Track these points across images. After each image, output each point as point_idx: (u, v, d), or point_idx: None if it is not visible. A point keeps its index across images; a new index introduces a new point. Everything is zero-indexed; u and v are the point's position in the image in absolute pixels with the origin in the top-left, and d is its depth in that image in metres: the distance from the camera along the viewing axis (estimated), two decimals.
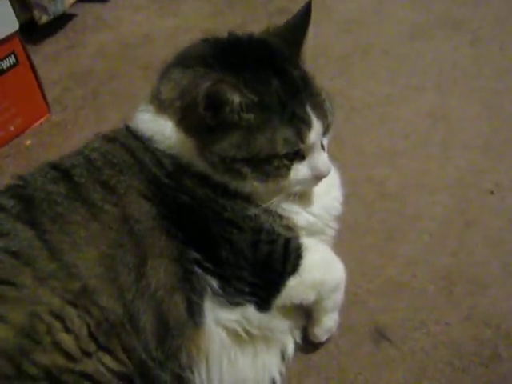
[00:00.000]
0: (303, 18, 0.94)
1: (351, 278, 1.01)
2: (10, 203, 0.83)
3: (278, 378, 0.97)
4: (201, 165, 0.86)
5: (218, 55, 0.89)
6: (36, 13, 1.93)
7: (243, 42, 0.93)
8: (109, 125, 1.60)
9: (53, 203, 0.83)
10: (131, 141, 0.91)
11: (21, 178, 0.90)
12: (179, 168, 0.87)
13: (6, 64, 1.52)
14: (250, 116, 0.82)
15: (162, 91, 0.92)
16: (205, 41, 0.96)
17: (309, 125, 0.85)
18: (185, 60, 0.93)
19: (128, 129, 0.95)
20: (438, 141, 1.43)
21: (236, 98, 0.80)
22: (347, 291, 1.01)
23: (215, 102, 0.80)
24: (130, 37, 2.00)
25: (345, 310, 1.04)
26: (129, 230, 0.81)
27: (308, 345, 1.04)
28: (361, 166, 1.37)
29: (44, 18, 1.96)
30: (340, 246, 1.03)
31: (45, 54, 1.92)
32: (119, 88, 1.76)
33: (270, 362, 0.95)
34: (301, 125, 0.84)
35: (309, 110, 0.85)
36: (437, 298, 1.11)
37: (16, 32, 1.51)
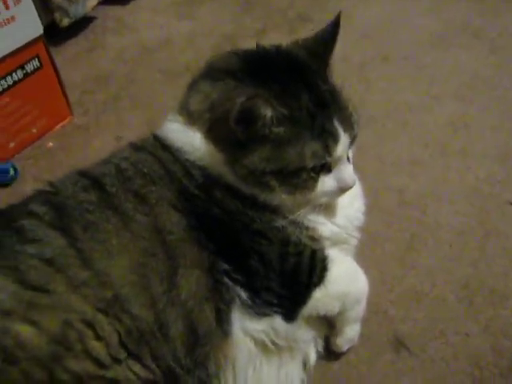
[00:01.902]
0: (332, 31, 0.94)
1: (372, 288, 1.02)
2: (42, 210, 0.85)
3: None
4: (230, 177, 0.87)
5: (247, 68, 0.90)
6: (57, 15, 1.95)
7: (271, 54, 0.94)
8: (129, 128, 1.63)
9: (84, 211, 0.84)
10: (160, 151, 0.92)
11: (51, 184, 0.91)
12: (209, 179, 0.88)
13: (30, 67, 1.54)
14: (280, 130, 0.83)
15: (191, 103, 0.93)
16: (233, 53, 0.97)
17: (336, 138, 0.86)
18: (214, 73, 0.94)
19: (156, 138, 0.96)
20: (457, 150, 1.44)
21: (268, 113, 0.81)
22: (368, 300, 1.02)
23: (248, 117, 0.81)
24: (149, 40, 2.02)
25: (365, 320, 1.05)
26: (160, 240, 0.83)
27: (329, 354, 1.05)
28: (380, 174, 1.38)
29: (65, 21, 1.97)
30: (360, 254, 1.05)
31: (66, 57, 1.94)
32: (139, 92, 1.77)
33: (293, 372, 0.97)
34: (329, 138, 0.85)
35: (336, 123, 0.87)
36: (456, 308, 1.12)
37: (40, 36, 1.53)
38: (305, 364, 1.00)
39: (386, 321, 1.11)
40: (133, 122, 1.65)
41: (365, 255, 1.08)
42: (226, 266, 0.84)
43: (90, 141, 1.61)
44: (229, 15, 2.10)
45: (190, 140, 0.90)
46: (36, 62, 1.55)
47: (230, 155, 0.87)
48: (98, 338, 0.77)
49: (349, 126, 0.89)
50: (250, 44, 1.84)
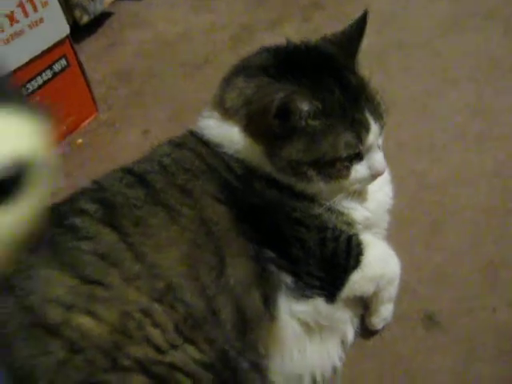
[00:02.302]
0: (359, 26, 0.99)
1: (401, 268, 1.07)
2: (92, 208, 0.90)
3: (338, 363, 1.04)
4: (268, 168, 0.93)
5: (279, 64, 0.95)
6: (77, 13, 2.00)
7: (302, 49, 0.99)
8: (154, 122, 1.68)
9: (133, 207, 0.89)
10: (199, 146, 0.97)
11: (96, 182, 0.96)
12: (248, 171, 0.93)
13: (57, 67, 1.59)
14: (316, 122, 0.88)
15: (227, 99, 0.98)
16: (265, 49, 1.01)
17: (367, 128, 0.91)
18: (248, 69, 0.99)
19: (194, 134, 1.01)
20: (475, 133, 1.47)
21: (305, 108, 0.86)
22: (398, 280, 1.07)
23: (286, 112, 0.86)
24: (167, 34, 2.06)
25: (397, 299, 1.10)
26: (207, 232, 0.88)
27: (364, 332, 1.10)
28: (403, 159, 1.42)
29: (85, 18, 2.02)
30: (389, 237, 1.10)
31: (87, 54, 1.98)
32: (161, 86, 1.82)
33: (333, 350, 1.02)
34: (360, 129, 0.90)
35: (367, 114, 0.92)
36: (482, 285, 1.16)
37: (67, 36, 1.58)
38: (342, 342, 1.05)
39: (415, 299, 1.16)
40: (157, 115, 1.70)
41: (393, 238, 1.12)
42: (270, 254, 0.90)
43: (116, 136, 1.66)
44: (243, 6, 2.13)
45: (227, 135, 0.96)
46: (63, 62, 1.61)
47: (267, 148, 0.92)
48: (155, 325, 0.82)
49: (378, 115, 0.94)
50: (266, 35, 1.91)
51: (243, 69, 1.00)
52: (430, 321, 1.12)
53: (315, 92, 0.88)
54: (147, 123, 1.68)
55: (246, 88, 0.95)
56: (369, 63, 1.66)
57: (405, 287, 1.15)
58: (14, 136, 0.30)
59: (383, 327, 1.10)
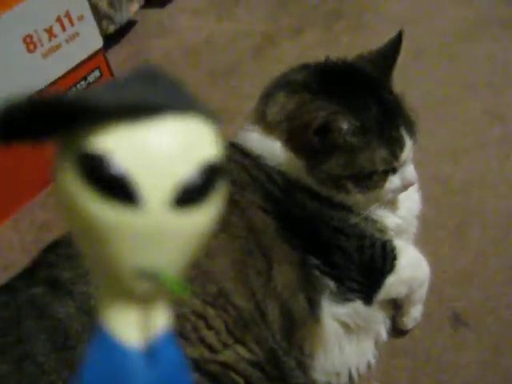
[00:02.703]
0: (394, 45, 1.04)
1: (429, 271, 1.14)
2: None
3: (372, 361, 1.11)
4: (309, 181, 0.98)
5: (319, 81, 1.00)
6: (104, 24, 2.05)
7: (339, 67, 1.05)
8: None
9: None
10: (243, 159, 1.03)
11: None
12: (289, 183, 0.99)
13: (91, 78, 1.65)
14: (354, 139, 0.94)
15: (268, 113, 1.03)
16: (305, 66, 1.06)
17: (402, 145, 0.97)
18: (288, 85, 1.03)
19: (235, 146, 1.07)
20: (495, 138, 1.53)
21: (345, 126, 0.92)
22: None
23: (327, 129, 0.92)
24: (191, 42, 2.11)
25: (425, 299, 1.16)
26: (255, 240, 0.94)
27: (396, 331, 1.17)
28: (426, 165, 1.47)
29: (111, 28, 2.08)
30: (416, 241, 1.16)
31: (114, 62, 2.03)
32: None
33: (368, 348, 1.09)
34: (396, 146, 0.96)
35: (403, 131, 0.98)
36: (506, 286, 1.23)
37: (100, 48, 1.65)
38: (376, 340, 1.11)
39: (443, 299, 1.22)
40: None
41: (420, 241, 1.18)
42: (314, 261, 0.96)
43: None
44: (265, 13, 2.18)
45: (269, 148, 1.01)
46: (97, 73, 1.67)
47: (308, 162, 0.98)
48: (209, 327, 0.88)
49: (412, 132, 1.00)
50: (289, 43, 1.97)
51: (285, 84, 1.05)
52: (457, 319, 1.19)
53: (354, 110, 0.93)
54: None
55: (287, 103, 1.00)
56: None
57: (432, 288, 1.20)
58: (205, 141, 0.33)
59: (413, 327, 1.17)
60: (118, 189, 0.30)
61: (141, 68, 0.34)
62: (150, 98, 0.31)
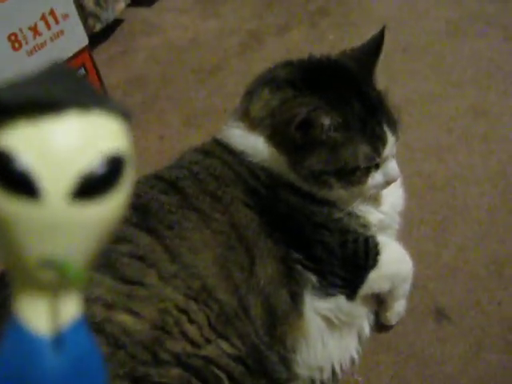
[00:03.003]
0: (377, 42, 1.05)
1: (412, 266, 1.14)
2: (128, 213, 0.96)
3: (355, 356, 1.11)
4: (291, 176, 0.99)
5: (302, 78, 1.00)
6: (90, 22, 2.05)
7: (323, 64, 1.05)
8: (169, 128, 1.74)
9: (167, 212, 0.95)
10: (226, 155, 1.03)
11: None
12: (272, 179, 0.99)
13: None
14: (336, 135, 0.94)
15: (252, 110, 1.04)
16: (289, 63, 1.07)
17: (385, 141, 0.98)
18: (272, 82, 1.04)
19: (219, 142, 1.07)
20: (479, 135, 1.55)
21: (327, 122, 0.92)
22: None
23: (309, 125, 0.93)
24: (177, 40, 2.12)
25: (408, 294, 1.17)
26: (238, 235, 0.95)
27: (379, 326, 1.18)
28: (410, 161, 1.49)
29: (98, 26, 2.08)
30: (399, 236, 1.16)
31: (100, 61, 2.04)
32: (175, 92, 1.88)
33: (351, 343, 1.09)
34: (378, 141, 0.97)
35: (385, 127, 0.98)
36: (488, 281, 1.24)
37: (86, 46, 1.65)
38: (359, 335, 1.12)
39: (426, 294, 1.23)
40: (172, 121, 1.76)
41: (403, 237, 1.19)
42: (297, 255, 0.97)
43: (135, 142, 1.71)
44: (251, 11, 2.19)
45: (253, 144, 1.01)
46: (82, 71, 1.67)
47: (290, 158, 0.98)
48: (192, 322, 0.87)
49: (394, 128, 1.00)
50: (274, 41, 1.98)
51: (268, 81, 1.05)
52: (440, 314, 1.20)
53: (336, 106, 0.94)
54: (163, 128, 1.74)
55: (271, 100, 1.01)
56: None
57: (415, 283, 1.21)
58: (109, 134, 0.34)
59: (396, 321, 1.18)
60: (20, 183, 0.31)
61: (49, 65, 0.35)
62: (54, 94, 0.32)
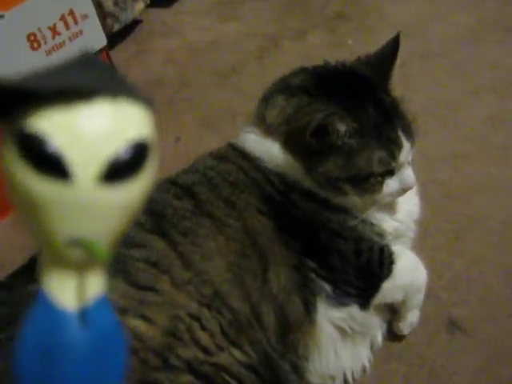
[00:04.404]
0: (392, 48, 1.04)
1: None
2: (143, 218, 0.96)
3: (367, 365, 1.11)
4: (306, 182, 0.98)
5: (318, 84, 1.01)
6: (109, 22, 2.06)
7: (338, 70, 1.05)
8: (185, 130, 1.75)
9: (181, 218, 0.95)
10: (241, 160, 1.03)
11: None
12: (287, 185, 0.99)
13: None
14: (352, 141, 0.94)
15: (268, 116, 1.04)
16: (304, 69, 1.07)
17: (400, 146, 0.97)
18: (288, 88, 1.04)
19: (234, 148, 1.07)
20: (497, 144, 1.53)
21: (342, 128, 0.92)
22: None
23: (324, 132, 0.92)
24: (195, 42, 2.13)
25: (421, 304, 1.16)
26: (251, 242, 0.94)
27: (391, 336, 1.17)
28: (426, 169, 1.47)
29: (116, 27, 2.09)
30: (413, 245, 1.15)
31: (118, 61, 2.05)
32: (192, 94, 1.88)
33: (363, 352, 1.09)
34: (393, 147, 0.96)
35: (400, 132, 0.98)
36: (503, 292, 1.22)
37: (104, 47, 1.65)
38: (372, 345, 1.11)
39: (439, 305, 1.22)
40: (188, 123, 1.77)
41: (417, 246, 1.18)
42: (311, 264, 0.96)
43: None
44: (270, 15, 2.19)
45: (268, 150, 1.01)
46: None
47: (305, 164, 0.98)
48: (204, 329, 0.87)
49: (410, 134, 1.00)
50: (292, 45, 1.97)
51: (284, 87, 1.05)
52: (453, 325, 1.19)
53: (351, 112, 0.94)
54: (179, 130, 1.74)
55: (286, 107, 1.01)
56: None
57: (429, 293, 1.20)
58: (135, 121, 0.36)
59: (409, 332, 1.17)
60: (52, 165, 0.33)
61: (80, 55, 0.37)
62: (84, 83, 0.34)
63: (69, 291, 0.37)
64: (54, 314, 0.37)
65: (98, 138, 0.34)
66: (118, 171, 0.35)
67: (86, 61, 0.37)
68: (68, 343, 0.36)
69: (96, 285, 0.38)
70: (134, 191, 0.36)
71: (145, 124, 0.37)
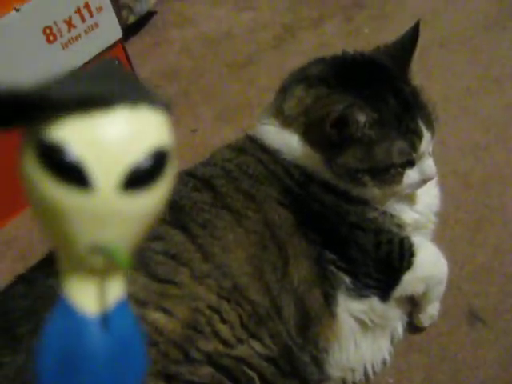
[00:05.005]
0: (412, 37, 1.02)
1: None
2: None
3: (388, 357, 1.10)
4: (326, 174, 0.98)
5: (336, 75, 1.00)
6: (124, 13, 2.06)
7: (357, 60, 1.03)
8: (202, 121, 1.74)
9: (200, 210, 0.95)
10: (260, 152, 1.02)
11: None
12: (307, 177, 0.98)
13: None
14: (371, 132, 0.93)
15: (286, 107, 1.03)
16: (322, 60, 1.06)
17: (420, 136, 0.96)
18: (306, 79, 1.03)
19: (252, 140, 1.06)
20: None
21: (362, 119, 0.91)
22: None
23: (344, 123, 0.91)
24: (211, 33, 2.11)
25: (442, 296, 1.15)
26: (271, 234, 0.94)
27: (412, 328, 1.16)
28: (445, 158, 1.45)
29: (131, 18, 2.09)
30: (434, 236, 1.14)
31: (133, 52, 2.03)
32: (208, 86, 1.87)
33: (384, 345, 1.08)
34: (413, 137, 0.95)
35: (420, 122, 0.96)
36: None
37: (120, 39, 1.65)
38: (392, 337, 1.11)
39: (460, 296, 1.20)
40: (204, 114, 1.76)
41: (437, 236, 1.17)
42: (331, 256, 0.96)
43: None
44: (285, 4, 2.17)
45: (287, 142, 1.01)
46: None
47: (325, 155, 0.97)
48: (224, 321, 0.87)
49: (430, 123, 0.98)
50: (308, 34, 1.95)
51: (302, 78, 1.04)
52: (474, 317, 1.17)
53: (371, 103, 0.92)
54: (195, 122, 1.74)
55: (304, 98, 1.00)
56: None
57: (449, 284, 1.19)
58: (155, 129, 0.36)
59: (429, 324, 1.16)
60: (72, 174, 0.33)
61: (99, 62, 0.38)
62: (104, 90, 0.34)
63: (89, 296, 0.38)
64: (74, 318, 0.37)
65: (119, 147, 0.34)
66: (139, 179, 0.35)
67: (106, 68, 0.37)
68: (89, 348, 0.37)
69: (117, 290, 0.39)
70: (154, 198, 0.36)
71: (164, 131, 0.37)
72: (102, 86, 0.35)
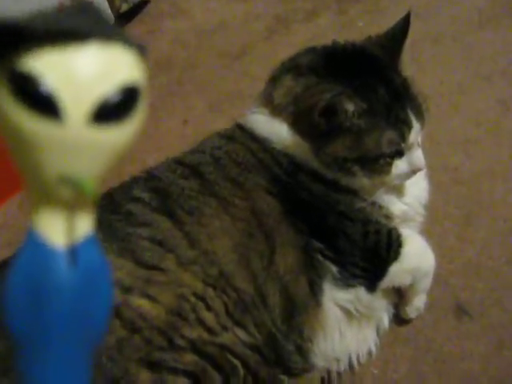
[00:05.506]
0: (402, 27, 1.02)
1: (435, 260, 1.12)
2: (147, 196, 0.94)
3: (373, 348, 1.10)
4: (315, 163, 0.98)
5: (326, 64, 1.00)
6: (116, 2, 2.04)
7: (348, 50, 1.03)
8: (193, 112, 1.73)
9: (187, 197, 0.95)
10: (249, 141, 1.02)
11: (148, 172, 1.02)
12: (295, 166, 0.98)
13: None
14: (360, 121, 0.93)
15: (276, 96, 1.03)
16: (312, 49, 1.06)
17: (409, 126, 0.96)
18: (296, 68, 1.03)
19: (242, 128, 1.06)
20: (508, 129, 1.51)
21: (351, 108, 0.91)
22: None
23: (332, 111, 0.91)
24: (204, 23, 2.10)
25: (429, 289, 1.15)
26: (258, 222, 0.94)
27: (398, 320, 1.16)
28: (436, 153, 1.45)
29: (124, 7, 2.07)
30: (422, 230, 1.14)
31: None
32: (201, 76, 1.86)
33: (369, 335, 1.08)
34: (403, 127, 0.95)
35: (409, 112, 0.96)
36: (511, 278, 1.22)
37: None
38: (378, 328, 1.11)
39: (447, 289, 1.21)
40: (196, 105, 1.75)
41: (426, 230, 1.17)
42: (318, 245, 0.96)
43: (157, 125, 1.71)
44: None
45: (276, 130, 1.00)
46: None
47: (314, 145, 0.97)
48: (209, 309, 0.87)
49: (420, 114, 0.98)
50: (302, 26, 1.94)
51: (292, 67, 1.04)
52: (461, 310, 1.18)
53: (360, 92, 0.92)
54: (188, 112, 1.73)
55: (294, 87, 1.00)
56: (403, 56, 1.69)
57: (437, 278, 1.19)
58: (126, 66, 0.37)
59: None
60: (44, 104, 0.34)
61: (73, 2, 0.38)
62: (78, 25, 0.35)
63: (58, 229, 0.38)
64: (43, 251, 0.38)
65: (90, 79, 0.35)
66: (108, 112, 0.36)
67: (82, 7, 0.38)
68: (57, 279, 0.38)
69: (85, 224, 0.39)
70: (122, 133, 0.37)
71: (136, 69, 0.37)
72: (77, 21, 0.36)
